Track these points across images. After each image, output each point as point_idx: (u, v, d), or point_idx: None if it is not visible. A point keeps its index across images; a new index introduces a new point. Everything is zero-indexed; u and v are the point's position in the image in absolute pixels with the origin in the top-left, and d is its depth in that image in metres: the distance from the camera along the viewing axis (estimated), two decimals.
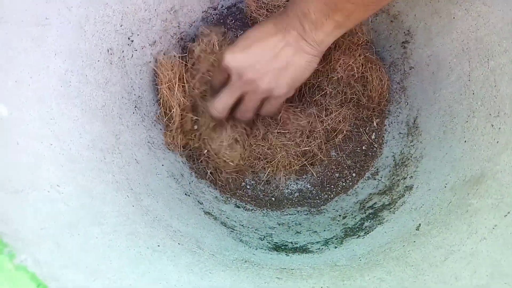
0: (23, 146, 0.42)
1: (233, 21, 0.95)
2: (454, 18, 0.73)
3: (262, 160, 0.88)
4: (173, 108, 0.83)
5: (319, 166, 0.91)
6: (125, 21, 0.73)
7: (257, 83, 0.71)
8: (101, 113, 0.65)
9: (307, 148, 0.88)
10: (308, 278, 0.56)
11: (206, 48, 0.87)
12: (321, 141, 0.88)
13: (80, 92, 0.59)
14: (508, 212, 0.50)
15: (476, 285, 0.42)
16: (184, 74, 0.85)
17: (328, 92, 0.88)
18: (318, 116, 0.88)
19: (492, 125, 0.63)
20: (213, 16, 0.93)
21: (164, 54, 0.86)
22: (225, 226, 0.78)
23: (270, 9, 0.91)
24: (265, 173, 0.89)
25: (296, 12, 0.66)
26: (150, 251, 0.49)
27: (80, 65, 0.60)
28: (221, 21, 0.93)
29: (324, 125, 0.88)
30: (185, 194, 0.81)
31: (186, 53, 0.92)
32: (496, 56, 0.65)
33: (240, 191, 0.91)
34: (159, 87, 0.83)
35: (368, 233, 0.72)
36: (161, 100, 0.84)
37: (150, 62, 0.84)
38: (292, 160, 0.88)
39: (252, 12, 0.92)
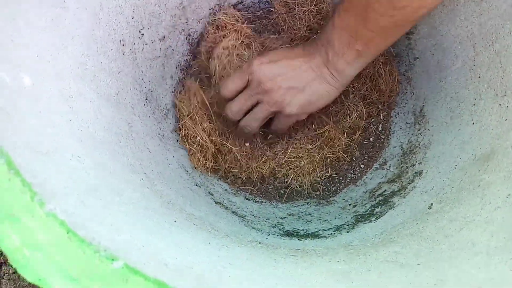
0: (45, 116, 0.43)
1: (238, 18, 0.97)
2: (457, 5, 0.74)
3: (284, 166, 0.89)
4: (198, 136, 0.85)
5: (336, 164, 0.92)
6: (136, 14, 0.75)
7: (272, 94, 0.74)
8: (115, 100, 0.66)
9: (331, 155, 0.89)
10: (323, 255, 0.56)
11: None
12: (344, 144, 0.89)
13: (96, 76, 0.60)
14: None
15: (494, 246, 0.43)
16: (205, 99, 0.87)
17: (348, 91, 0.89)
18: (338, 120, 0.89)
19: (500, 105, 0.64)
20: (226, 10, 0.95)
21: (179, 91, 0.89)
22: (237, 215, 0.79)
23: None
24: (288, 179, 0.89)
25: (322, 41, 0.71)
26: (168, 224, 0.49)
27: (95, 51, 0.61)
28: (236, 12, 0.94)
29: (346, 126, 0.89)
30: (196, 185, 0.82)
31: (193, 50, 0.94)
32: (500, 38, 0.66)
33: (249, 186, 0.91)
34: (180, 122, 0.86)
35: (379, 218, 0.72)
36: (182, 130, 0.86)
37: (159, 57, 0.86)
38: (317, 166, 0.89)
39: (279, 17, 0.93)
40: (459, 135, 0.72)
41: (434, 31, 0.82)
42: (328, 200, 0.89)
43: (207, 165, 0.87)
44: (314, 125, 0.90)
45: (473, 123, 0.70)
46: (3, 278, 0.92)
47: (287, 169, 0.89)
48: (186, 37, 0.93)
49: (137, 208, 0.46)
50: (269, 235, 0.70)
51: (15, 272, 0.94)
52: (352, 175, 0.92)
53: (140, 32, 0.78)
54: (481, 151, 0.63)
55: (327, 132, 0.88)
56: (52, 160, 0.38)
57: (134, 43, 0.76)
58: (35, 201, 0.30)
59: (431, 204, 0.63)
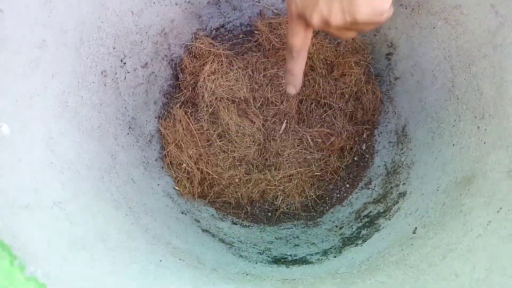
0: (25, 164, 0.42)
1: (221, 41, 0.97)
2: (434, 28, 0.76)
3: (273, 189, 0.89)
4: (184, 163, 0.84)
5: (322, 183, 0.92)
6: (118, 44, 0.75)
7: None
8: (98, 134, 0.66)
9: (318, 173, 0.90)
10: (311, 286, 0.56)
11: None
12: (334, 164, 0.90)
13: (77, 112, 0.59)
14: (501, 208, 0.51)
15: (476, 279, 0.43)
16: (191, 125, 0.87)
17: (335, 109, 0.90)
18: (333, 138, 0.90)
19: (478, 127, 0.66)
20: (203, 38, 0.95)
21: (164, 117, 0.89)
22: (224, 242, 0.78)
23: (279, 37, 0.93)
24: (278, 201, 0.89)
25: None
26: (153, 266, 0.49)
27: (76, 87, 0.61)
28: (211, 41, 0.94)
29: (336, 146, 0.90)
30: (182, 212, 0.82)
31: (176, 75, 0.94)
32: (477, 61, 0.68)
33: (238, 209, 0.91)
34: (165, 150, 0.86)
35: (365, 241, 0.73)
36: (167, 158, 0.86)
37: (142, 83, 0.85)
38: (306, 186, 0.89)
39: (263, 36, 0.94)
40: (440, 156, 0.73)
41: (413, 52, 0.84)
42: (315, 221, 0.89)
43: (193, 192, 0.87)
44: (305, 142, 0.90)
45: (453, 144, 0.71)
46: None
47: (275, 191, 0.89)
48: (169, 62, 0.93)
49: (122, 253, 0.46)
50: (256, 263, 0.70)
51: None
52: (338, 195, 0.92)
53: (122, 61, 0.78)
54: (462, 174, 0.64)
55: (329, 144, 0.89)
56: (33, 213, 0.37)
57: (116, 73, 0.76)
58: (15, 266, 0.30)
59: (415, 228, 0.64)
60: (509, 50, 0.61)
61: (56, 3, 0.55)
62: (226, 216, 0.89)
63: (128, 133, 0.78)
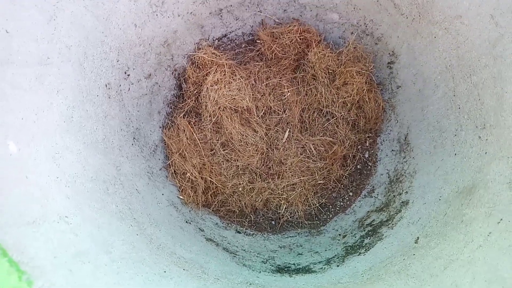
0: (32, 180, 0.43)
1: (223, 51, 0.98)
2: (435, 37, 0.76)
3: (277, 198, 0.90)
4: (188, 172, 0.85)
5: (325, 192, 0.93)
6: (121, 57, 0.76)
7: None
8: (102, 146, 0.67)
9: (321, 182, 0.90)
10: None
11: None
12: (337, 172, 0.90)
13: (82, 126, 0.60)
14: (501, 219, 0.52)
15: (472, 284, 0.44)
16: (194, 134, 0.89)
17: (337, 118, 0.91)
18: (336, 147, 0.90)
19: (480, 137, 0.66)
20: (205, 48, 0.96)
21: (167, 127, 0.90)
22: (228, 251, 0.79)
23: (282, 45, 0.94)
24: (281, 210, 0.90)
25: None
26: (157, 277, 0.49)
27: (81, 101, 0.62)
28: (213, 51, 0.95)
29: (339, 155, 0.90)
30: (186, 222, 0.82)
31: (179, 84, 0.95)
32: (477, 72, 0.68)
33: (242, 218, 0.92)
34: (169, 159, 0.87)
35: (368, 250, 0.73)
36: (172, 167, 0.87)
37: (146, 94, 0.87)
38: (309, 195, 0.89)
39: (265, 46, 0.95)
40: (442, 165, 0.74)
41: (414, 61, 0.84)
42: (319, 229, 0.90)
43: (197, 201, 0.88)
44: (308, 150, 0.91)
45: (455, 154, 0.71)
46: None
47: (279, 200, 0.90)
48: (172, 72, 0.94)
49: (127, 265, 0.47)
50: (260, 272, 0.71)
51: None
52: (342, 203, 0.93)
53: (125, 73, 0.79)
54: (463, 184, 0.65)
55: (331, 152, 0.89)
56: (40, 228, 0.38)
57: (120, 85, 0.77)
58: (23, 280, 0.31)
59: (418, 237, 0.64)
60: (509, 61, 0.62)
61: (61, 19, 0.57)
62: (230, 225, 0.90)
63: (132, 144, 0.80)
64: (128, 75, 0.80)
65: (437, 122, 0.79)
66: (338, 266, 0.71)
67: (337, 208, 0.92)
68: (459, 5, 0.69)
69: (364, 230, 0.80)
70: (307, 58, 0.92)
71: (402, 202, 0.79)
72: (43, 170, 0.46)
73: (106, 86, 0.72)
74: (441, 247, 0.57)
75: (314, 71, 0.90)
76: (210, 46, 0.96)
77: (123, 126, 0.77)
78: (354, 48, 0.91)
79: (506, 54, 0.62)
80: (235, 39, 1.01)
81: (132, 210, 0.66)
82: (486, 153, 0.63)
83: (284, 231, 0.91)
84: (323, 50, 0.91)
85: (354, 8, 0.90)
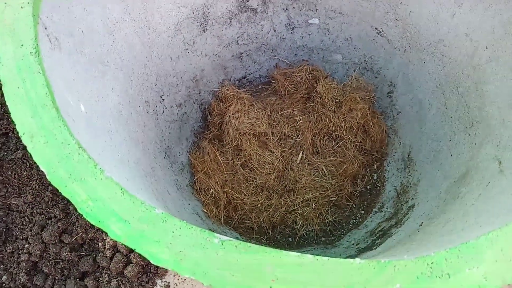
0: (93, 137, 0.54)
1: (243, 89, 1.13)
2: (424, 62, 0.89)
3: (293, 214, 0.97)
4: (211, 188, 0.96)
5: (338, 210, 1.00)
6: (159, 82, 0.91)
7: None
8: (141, 147, 0.78)
9: (334, 198, 0.98)
10: None
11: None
12: (348, 189, 0.99)
13: (127, 123, 0.72)
14: (489, 182, 0.59)
15: (465, 227, 0.50)
16: (218, 156, 1.00)
17: (345, 140, 1.01)
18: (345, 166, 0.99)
19: (469, 134, 0.75)
20: (228, 86, 1.11)
21: (194, 152, 1.02)
22: None
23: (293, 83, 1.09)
24: (297, 225, 0.96)
25: None
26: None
27: (128, 103, 0.74)
28: (235, 88, 1.10)
29: (349, 172, 0.99)
30: (209, 229, 0.89)
31: (205, 117, 1.09)
32: (462, 83, 0.80)
33: (260, 235, 0.98)
34: (195, 177, 0.98)
35: (379, 246, 0.78)
36: (197, 184, 0.98)
37: (176, 120, 0.99)
38: (323, 210, 0.97)
39: (279, 84, 1.09)
40: (441, 168, 0.82)
41: (409, 86, 0.97)
42: (334, 244, 0.95)
43: (219, 216, 0.95)
44: (320, 171, 1.00)
45: (451, 155, 0.80)
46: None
47: (295, 216, 0.96)
48: (199, 106, 1.08)
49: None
50: None
51: None
52: (354, 221, 0.99)
53: (161, 97, 0.92)
54: (459, 174, 0.72)
55: (341, 170, 0.97)
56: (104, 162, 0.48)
57: (156, 106, 0.90)
58: (97, 168, 0.40)
59: (422, 222, 0.70)
60: (485, 67, 0.73)
61: (117, 36, 0.72)
62: (249, 241, 0.96)
63: (164, 157, 0.90)
64: (163, 99, 0.93)
65: (434, 135, 0.88)
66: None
67: (350, 225, 0.98)
68: (440, 31, 0.83)
69: (375, 235, 0.86)
70: (316, 90, 1.05)
71: (408, 207, 0.85)
72: (100, 134, 0.57)
73: (145, 102, 0.85)
74: (441, 219, 0.63)
75: (323, 100, 1.03)
76: (232, 84, 1.11)
77: (157, 140, 0.89)
78: (357, 80, 1.04)
79: (481, 62, 0.74)
80: (253, 80, 1.17)
81: (165, 202, 0.75)
82: (475, 144, 0.72)
83: (300, 247, 0.96)
84: (330, 83, 1.05)
85: (354, 48, 1.06)
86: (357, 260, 0.38)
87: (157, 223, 0.38)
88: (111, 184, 0.39)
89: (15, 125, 0.42)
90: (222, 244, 0.38)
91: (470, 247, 0.37)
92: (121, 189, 0.39)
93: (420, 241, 0.58)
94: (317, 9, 1.06)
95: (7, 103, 0.44)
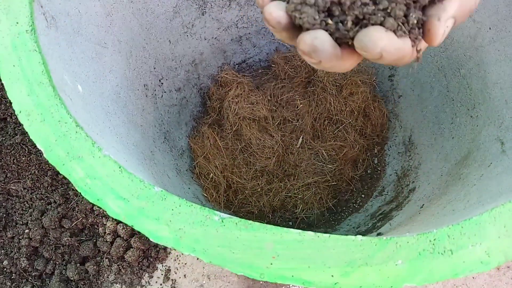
0: (91, 117, 0.53)
1: (243, 73, 1.12)
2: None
3: (293, 198, 0.97)
4: (211, 173, 0.95)
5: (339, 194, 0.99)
6: (157, 66, 0.90)
7: None
8: (140, 130, 0.77)
9: (334, 183, 0.97)
10: None
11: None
12: (349, 174, 0.98)
13: (126, 104, 0.71)
14: (491, 163, 0.58)
15: (469, 208, 0.50)
16: (218, 140, 1.00)
17: (345, 124, 1.00)
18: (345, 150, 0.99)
19: (471, 116, 0.74)
20: (227, 70, 1.10)
21: (193, 136, 1.01)
22: None
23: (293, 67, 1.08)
24: (298, 209, 0.96)
25: None
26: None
27: (126, 86, 0.73)
28: (234, 72, 1.09)
29: (349, 157, 0.99)
30: None
31: (204, 102, 1.08)
32: (464, 64, 0.79)
33: (260, 219, 0.98)
34: (195, 161, 0.98)
35: (379, 229, 0.78)
36: (197, 168, 0.97)
37: (176, 105, 0.99)
38: (323, 194, 0.96)
39: (279, 68, 1.08)
40: (442, 151, 0.81)
41: (411, 69, 0.96)
42: (334, 228, 0.94)
43: (219, 200, 0.95)
44: (320, 155, 0.99)
45: (452, 138, 0.79)
46: None
47: (295, 200, 0.96)
48: (198, 91, 1.07)
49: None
50: None
51: None
52: (355, 205, 0.98)
53: (160, 81, 0.92)
54: (460, 155, 0.72)
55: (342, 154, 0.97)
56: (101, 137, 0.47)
57: (155, 90, 0.90)
58: (95, 146, 0.39)
59: (423, 204, 0.70)
60: (488, 48, 0.72)
61: (115, 17, 0.71)
62: None
63: (163, 142, 0.90)
64: (162, 83, 0.92)
65: (436, 118, 0.87)
66: None
67: (351, 209, 0.98)
68: None
69: (376, 219, 0.85)
70: (316, 74, 1.04)
71: (409, 190, 0.85)
72: (98, 114, 0.56)
73: (144, 86, 0.84)
74: (443, 200, 0.63)
75: (323, 84, 1.02)
76: (232, 69, 1.10)
77: (156, 124, 0.88)
78: (358, 63, 1.03)
79: (484, 43, 0.73)
80: (253, 64, 1.15)
81: (164, 185, 0.74)
82: (477, 126, 0.71)
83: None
84: None
85: None
86: (359, 237, 0.37)
87: (156, 201, 0.37)
88: (109, 162, 0.39)
89: (11, 104, 0.42)
90: (222, 221, 0.37)
91: (473, 224, 0.37)
92: (120, 167, 0.39)
93: (421, 222, 0.58)
94: None
95: (3, 81, 0.43)
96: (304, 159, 0.99)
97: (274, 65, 1.11)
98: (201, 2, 0.97)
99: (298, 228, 0.97)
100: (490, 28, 0.72)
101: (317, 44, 0.25)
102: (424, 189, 0.79)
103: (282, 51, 1.11)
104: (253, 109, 1.01)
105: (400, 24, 0.25)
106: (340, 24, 0.25)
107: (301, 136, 1.01)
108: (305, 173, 0.97)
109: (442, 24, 0.26)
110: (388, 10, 0.25)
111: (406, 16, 0.25)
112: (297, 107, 1.03)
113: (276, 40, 1.11)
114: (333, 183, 0.97)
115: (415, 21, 0.26)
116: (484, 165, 0.59)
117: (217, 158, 0.97)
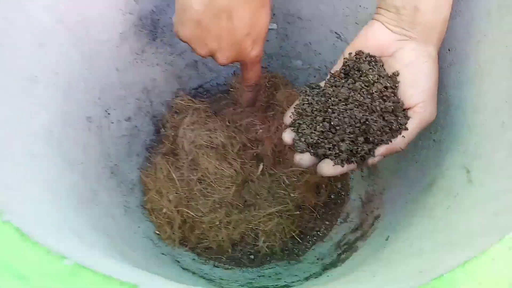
0: (16, 163, 0.46)
1: (200, 99, 1.06)
2: None
3: (254, 230, 0.90)
4: (164, 208, 0.88)
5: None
6: (103, 95, 0.83)
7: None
8: (81, 168, 0.70)
9: (297, 212, 0.92)
10: None
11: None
12: (311, 200, 0.93)
13: (61, 143, 0.64)
14: (457, 193, 0.55)
15: (435, 247, 0.46)
16: (172, 172, 0.93)
17: None
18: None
19: (434, 140, 0.71)
20: (183, 96, 1.04)
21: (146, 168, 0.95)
22: (204, 279, 0.78)
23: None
24: (260, 242, 0.89)
25: None
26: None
27: (62, 121, 0.66)
28: (190, 98, 1.03)
29: (311, 183, 0.93)
30: (162, 253, 0.82)
31: (158, 130, 1.01)
32: None
33: (219, 254, 0.91)
34: (146, 196, 0.91)
35: (344, 262, 0.73)
36: (149, 204, 0.90)
37: (125, 135, 0.92)
38: (285, 224, 0.91)
39: (238, 94, 1.03)
40: (406, 176, 0.78)
41: None
42: (298, 259, 0.89)
43: (173, 238, 0.88)
44: (282, 182, 0.94)
45: (416, 162, 0.76)
46: None
47: (256, 232, 0.90)
48: (151, 119, 1.00)
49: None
50: None
51: None
52: (319, 233, 0.94)
53: (106, 111, 0.85)
54: (425, 182, 0.68)
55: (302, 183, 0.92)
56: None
57: (100, 121, 0.83)
58: None
59: (388, 236, 0.66)
60: (448, 71, 0.70)
61: (49, 47, 0.64)
62: (207, 261, 0.89)
63: (109, 177, 0.82)
64: (109, 113, 0.86)
65: None
66: (316, 278, 0.71)
67: (315, 238, 0.93)
68: None
69: (341, 249, 0.81)
70: (276, 98, 1.00)
71: (374, 217, 0.81)
72: (18, 163, 0.49)
73: (87, 118, 0.77)
74: (408, 233, 0.59)
75: (283, 108, 0.98)
76: (187, 94, 1.04)
77: (101, 159, 0.81)
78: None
79: (444, 65, 0.71)
80: (210, 89, 1.10)
81: (107, 230, 0.67)
82: (440, 150, 0.68)
83: (263, 264, 0.90)
84: (290, 90, 1.00)
85: (314, 53, 1.01)
86: None
87: (65, 279, 0.31)
88: (8, 231, 0.32)
89: None
90: None
91: (445, 283, 0.32)
92: (22, 236, 0.32)
93: (387, 262, 0.54)
94: (274, 14, 1.02)
95: None
96: (265, 187, 0.93)
97: (232, 89, 1.07)
98: (152, 27, 0.91)
99: (260, 262, 0.91)
100: (449, 50, 0.69)
101: (301, 162, 0.59)
102: (389, 218, 0.75)
103: (240, 75, 1.07)
104: (210, 136, 0.95)
105: (343, 159, 0.56)
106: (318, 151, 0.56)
107: (261, 163, 0.96)
108: (267, 203, 0.92)
109: (371, 160, 0.60)
110: (342, 149, 0.55)
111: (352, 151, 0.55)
112: (257, 132, 0.98)
113: (233, 64, 1.06)
114: (295, 212, 0.92)
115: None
116: (451, 195, 0.56)
117: (170, 191, 0.90)
